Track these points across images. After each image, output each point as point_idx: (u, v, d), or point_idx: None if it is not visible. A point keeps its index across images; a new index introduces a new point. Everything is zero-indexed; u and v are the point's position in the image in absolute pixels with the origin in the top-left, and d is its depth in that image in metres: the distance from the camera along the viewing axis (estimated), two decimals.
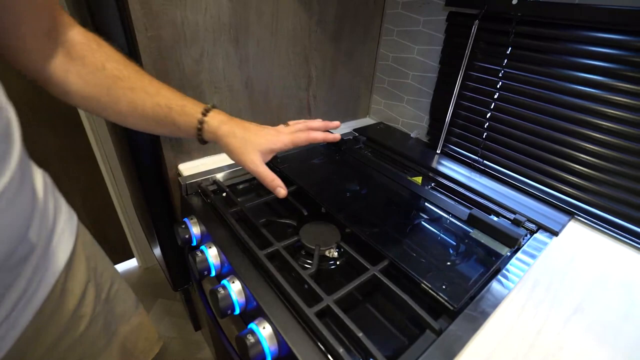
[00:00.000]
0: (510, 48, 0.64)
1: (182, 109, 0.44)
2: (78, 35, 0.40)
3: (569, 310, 0.44)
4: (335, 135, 0.54)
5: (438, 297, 0.42)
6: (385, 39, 0.89)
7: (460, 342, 0.38)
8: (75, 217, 0.42)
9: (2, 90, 0.29)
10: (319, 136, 0.52)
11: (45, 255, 0.36)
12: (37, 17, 0.35)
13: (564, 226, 0.59)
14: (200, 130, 0.45)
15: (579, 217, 0.62)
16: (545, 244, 0.55)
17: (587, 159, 0.60)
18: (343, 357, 0.35)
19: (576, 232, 0.59)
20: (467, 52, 0.69)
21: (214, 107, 0.47)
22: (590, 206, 0.61)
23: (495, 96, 0.69)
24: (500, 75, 0.67)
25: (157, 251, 0.96)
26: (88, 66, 0.40)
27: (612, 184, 0.58)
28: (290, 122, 0.54)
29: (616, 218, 0.58)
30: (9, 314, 0.32)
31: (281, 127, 0.52)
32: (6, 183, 0.27)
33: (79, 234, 0.42)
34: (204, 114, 0.45)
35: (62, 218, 0.39)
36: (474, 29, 0.67)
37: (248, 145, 0.46)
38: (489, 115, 0.71)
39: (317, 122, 0.55)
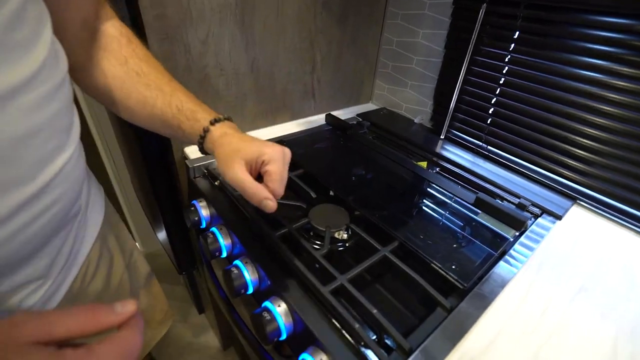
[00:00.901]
0: (517, 32, 0.64)
1: (192, 114, 0.41)
2: (112, 28, 0.40)
3: (573, 290, 0.45)
4: (272, 206, 0.37)
5: (448, 276, 0.43)
6: (389, 23, 0.88)
7: (471, 319, 0.39)
8: (102, 189, 0.47)
9: (66, 66, 0.32)
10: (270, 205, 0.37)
11: (85, 216, 0.40)
12: (80, 5, 0.36)
13: (567, 210, 0.60)
14: (202, 138, 0.40)
15: (582, 202, 0.63)
16: (549, 228, 0.56)
17: (590, 144, 0.61)
18: (359, 333, 0.36)
19: (579, 217, 0.60)
20: (474, 36, 0.69)
21: (227, 118, 0.42)
22: (593, 191, 0.62)
23: (501, 81, 0.69)
24: (506, 60, 0.67)
25: (162, 235, 0.96)
26: (111, 59, 0.39)
27: (614, 169, 0.59)
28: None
29: (618, 202, 0.60)
30: (62, 267, 0.36)
31: (273, 144, 0.43)
32: (74, 148, 0.33)
33: (105, 204, 0.47)
34: (213, 123, 0.40)
35: (93, 186, 0.44)
36: (481, 13, 0.67)
37: (234, 155, 0.37)
38: (493, 100, 0.71)
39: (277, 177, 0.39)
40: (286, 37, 0.71)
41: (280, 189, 0.37)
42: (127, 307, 0.24)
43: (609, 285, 0.46)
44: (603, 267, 0.49)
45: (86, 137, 1.16)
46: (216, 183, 0.60)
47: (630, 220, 0.58)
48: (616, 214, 0.59)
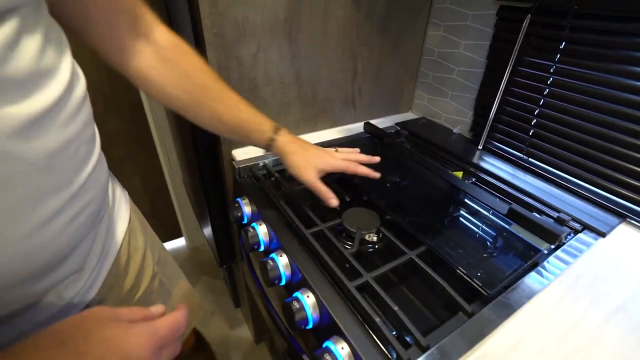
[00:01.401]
0: (564, 43, 0.63)
1: (258, 126, 0.53)
2: (163, 37, 0.45)
3: (610, 309, 0.43)
4: (376, 174, 0.58)
5: (472, 282, 0.44)
6: (431, 34, 0.89)
7: (492, 325, 0.39)
8: (126, 192, 0.51)
9: (85, 83, 0.36)
10: (365, 171, 0.57)
11: (113, 215, 0.45)
12: (126, 16, 0.41)
13: (613, 228, 0.57)
14: (269, 146, 0.54)
15: (632, 220, 0.59)
16: (590, 244, 0.54)
17: None
18: (380, 326, 0.38)
19: (627, 235, 0.57)
20: (517, 47, 0.68)
21: (280, 128, 0.55)
22: None
23: (545, 92, 0.67)
24: (551, 70, 0.66)
25: (207, 230, 1.05)
26: (175, 71, 0.46)
27: None
28: (339, 149, 0.61)
29: None
30: (97, 260, 0.41)
31: (332, 151, 0.59)
32: (98, 155, 0.37)
33: (130, 205, 0.51)
34: (275, 132, 0.53)
35: (118, 188, 0.48)
36: (525, 23, 0.66)
37: (307, 164, 0.54)
38: (537, 112, 0.70)
39: (362, 156, 0.60)
40: (329, 49, 0.76)
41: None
42: (159, 310, 0.34)
43: None
44: None
45: (148, 142, 1.31)
46: (258, 183, 0.66)
47: None
48: None
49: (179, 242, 1.66)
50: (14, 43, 0.25)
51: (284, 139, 0.54)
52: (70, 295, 0.37)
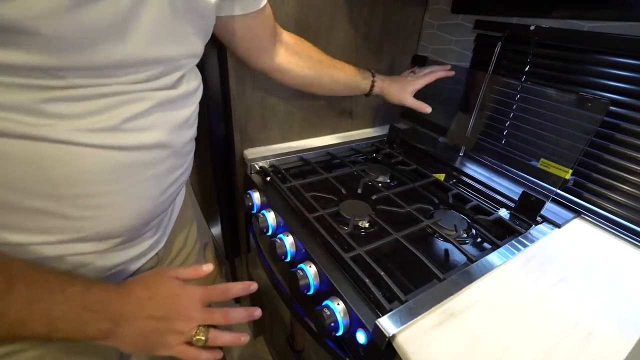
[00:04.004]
0: (528, 66, 0.75)
1: (363, 76, 0.76)
2: (288, 37, 0.66)
3: (555, 279, 0.53)
4: (450, 73, 0.80)
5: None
6: (420, 55, 1.01)
7: (457, 288, 0.49)
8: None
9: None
10: (440, 73, 0.80)
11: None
12: (271, 31, 0.62)
13: (568, 221, 0.68)
14: (372, 87, 0.77)
15: (585, 216, 0.70)
16: (546, 233, 0.64)
17: (605, 168, 0.67)
18: (369, 286, 0.48)
19: (579, 227, 0.67)
20: (490, 68, 0.80)
21: (374, 72, 0.78)
22: (598, 207, 0.69)
23: (514, 107, 0.79)
24: (518, 89, 0.77)
25: (214, 228, 1.14)
26: (302, 58, 0.68)
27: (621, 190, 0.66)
28: (416, 70, 0.84)
29: (621, 219, 0.66)
30: (165, 226, 0.54)
31: (411, 74, 0.82)
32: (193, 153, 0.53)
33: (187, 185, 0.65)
34: (374, 76, 0.77)
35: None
36: (497, 49, 0.78)
37: (400, 90, 0.78)
38: (507, 123, 0.81)
39: (437, 68, 0.83)
40: None
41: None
42: (209, 268, 0.48)
43: (591, 280, 0.54)
44: (590, 267, 0.57)
45: None
46: (267, 178, 0.76)
47: (627, 234, 0.64)
48: (616, 228, 0.66)
49: None
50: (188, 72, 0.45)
51: (380, 79, 0.78)
52: (147, 245, 0.50)
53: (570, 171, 0.65)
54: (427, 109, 0.77)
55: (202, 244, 0.70)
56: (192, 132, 0.49)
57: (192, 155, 0.51)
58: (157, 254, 0.54)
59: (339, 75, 0.72)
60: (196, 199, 1.47)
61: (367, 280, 0.48)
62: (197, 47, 0.44)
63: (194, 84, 0.47)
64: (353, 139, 0.98)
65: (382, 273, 0.50)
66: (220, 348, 0.94)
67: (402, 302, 0.46)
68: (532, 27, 0.71)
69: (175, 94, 0.41)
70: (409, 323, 0.43)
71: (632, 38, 0.59)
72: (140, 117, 0.38)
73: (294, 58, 0.67)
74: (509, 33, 0.76)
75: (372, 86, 0.76)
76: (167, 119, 0.41)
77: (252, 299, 1.16)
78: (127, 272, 0.48)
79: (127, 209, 0.40)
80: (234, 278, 1.29)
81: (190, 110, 0.46)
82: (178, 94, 0.42)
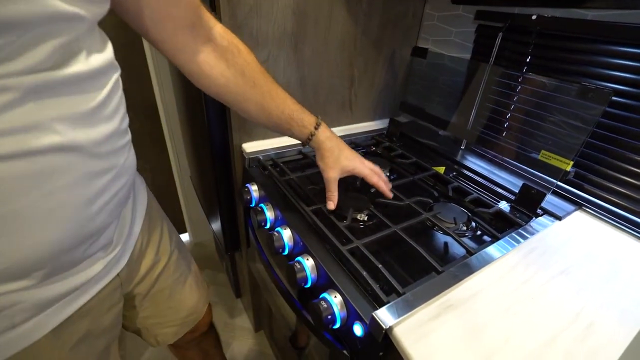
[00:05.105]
0: (529, 57, 0.74)
1: (301, 122, 0.58)
2: (220, 36, 0.49)
3: (555, 272, 0.53)
4: (390, 194, 0.65)
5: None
6: (420, 47, 1.00)
7: (456, 280, 0.49)
8: (144, 180, 0.60)
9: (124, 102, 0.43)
10: (383, 187, 0.64)
11: (135, 198, 0.53)
12: (181, 13, 0.44)
13: (569, 213, 0.67)
14: (309, 140, 0.59)
15: (586, 208, 0.69)
16: (547, 225, 0.64)
17: (606, 159, 0.66)
18: (367, 279, 0.48)
19: (580, 220, 0.66)
20: (491, 60, 0.79)
21: (320, 123, 0.60)
22: (599, 199, 0.68)
23: (515, 98, 0.78)
24: (519, 80, 0.76)
25: (214, 223, 1.14)
26: (231, 69, 0.50)
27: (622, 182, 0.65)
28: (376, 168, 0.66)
29: (623, 211, 0.65)
30: (125, 236, 0.49)
31: (362, 158, 0.64)
32: (130, 144, 0.45)
33: (147, 191, 0.60)
34: (316, 128, 0.59)
35: (138, 176, 0.56)
36: (498, 40, 0.77)
37: (336, 164, 0.60)
38: (508, 115, 0.80)
39: (384, 177, 0.66)
40: (330, 58, 0.87)
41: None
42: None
43: (592, 272, 0.53)
44: (591, 259, 0.56)
45: (159, 139, 1.40)
46: (265, 172, 0.76)
47: (629, 226, 0.63)
48: (618, 220, 0.65)
49: (184, 238, 1.74)
50: (78, 47, 0.33)
51: (322, 136, 0.59)
52: (106, 262, 0.44)
53: (571, 163, 0.64)
54: (330, 204, 0.61)
55: (180, 252, 0.67)
56: (111, 125, 0.38)
57: (125, 154, 0.42)
58: (118, 275, 0.48)
59: (273, 110, 0.56)
60: (196, 194, 1.47)
61: (364, 273, 0.48)
62: (58, 2, 0.29)
63: (96, 60, 0.35)
64: (353, 132, 0.98)
65: (379, 266, 0.50)
66: (221, 346, 0.95)
67: (399, 295, 0.46)
68: (533, 17, 0.70)
69: (60, 75, 0.31)
70: (406, 315, 0.43)
71: (636, 26, 0.58)
72: (9, 113, 0.28)
73: (218, 64, 0.50)
74: (510, 23, 0.74)
75: (309, 139, 0.59)
76: (59, 112, 0.31)
77: (252, 294, 1.17)
78: (81, 302, 0.42)
79: (33, 234, 0.32)
80: (234, 272, 1.30)
81: (97, 95, 0.35)
82: (66, 76, 0.31)
